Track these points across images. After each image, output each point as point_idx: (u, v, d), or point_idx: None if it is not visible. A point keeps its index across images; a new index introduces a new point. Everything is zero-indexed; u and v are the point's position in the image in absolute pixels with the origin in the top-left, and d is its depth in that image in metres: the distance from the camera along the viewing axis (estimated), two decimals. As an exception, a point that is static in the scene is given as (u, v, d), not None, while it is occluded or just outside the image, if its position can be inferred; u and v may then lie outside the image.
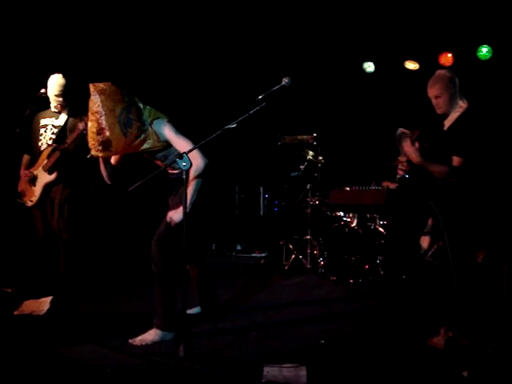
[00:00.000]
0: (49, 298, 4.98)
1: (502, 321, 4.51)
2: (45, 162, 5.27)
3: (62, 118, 5.42)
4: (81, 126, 5.11)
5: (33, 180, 5.29)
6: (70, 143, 5.21)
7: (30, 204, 5.34)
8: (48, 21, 6.65)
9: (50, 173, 5.27)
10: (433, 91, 4.20)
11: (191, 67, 8.45)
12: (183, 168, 3.59)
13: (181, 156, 3.61)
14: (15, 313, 4.80)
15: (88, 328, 4.43)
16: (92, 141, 3.88)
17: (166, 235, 4.07)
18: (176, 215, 3.97)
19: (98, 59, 7.15)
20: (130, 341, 4.00)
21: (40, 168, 5.29)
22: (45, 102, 5.42)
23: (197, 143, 3.83)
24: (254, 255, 8.50)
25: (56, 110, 5.41)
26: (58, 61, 6.47)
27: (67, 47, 6.84)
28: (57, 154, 5.22)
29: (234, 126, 3.67)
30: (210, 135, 3.74)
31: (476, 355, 3.67)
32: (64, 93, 5.36)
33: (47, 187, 5.30)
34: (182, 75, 8.39)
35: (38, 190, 5.30)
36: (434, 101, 4.21)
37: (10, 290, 5.39)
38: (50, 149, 5.28)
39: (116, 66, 7.47)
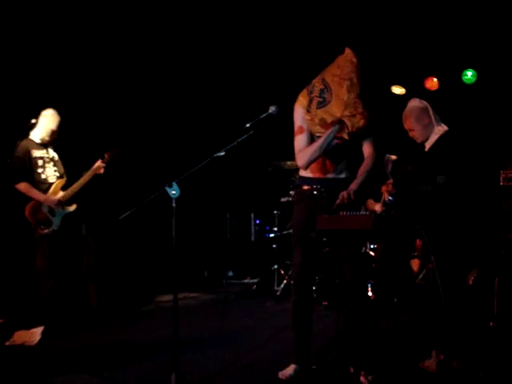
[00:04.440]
0: (40, 329, 4.96)
1: (493, 343, 4.53)
2: (61, 193, 5.46)
3: (52, 152, 5.61)
4: (101, 169, 5.57)
5: (51, 210, 5.37)
6: (86, 181, 5.51)
7: (45, 232, 5.36)
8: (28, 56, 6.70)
9: (68, 204, 5.50)
10: (406, 125, 4.23)
11: (180, 96, 8.51)
12: (172, 196, 3.57)
13: (170, 184, 3.60)
14: (6, 343, 4.78)
15: (81, 358, 4.41)
16: (358, 107, 3.57)
17: None
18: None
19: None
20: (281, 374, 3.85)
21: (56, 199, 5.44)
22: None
23: (187, 171, 3.84)
24: (245, 281, 8.49)
25: (41, 143, 5.50)
26: (41, 92, 6.53)
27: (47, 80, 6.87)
28: (76, 188, 5.48)
29: (223, 154, 3.72)
30: (200, 163, 3.78)
31: (467, 378, 3.68)
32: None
33: (65, 218, 5.46)
34: (171, 105, 8.44)
35: (57, 220, 5.40)
36: (409, 133, 4.25)
37: (1, 321, 5.36)
38: (63, 181, 5.54)
39: (106, 92, 7.53)
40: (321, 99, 3.63)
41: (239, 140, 3.77)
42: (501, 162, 6.28)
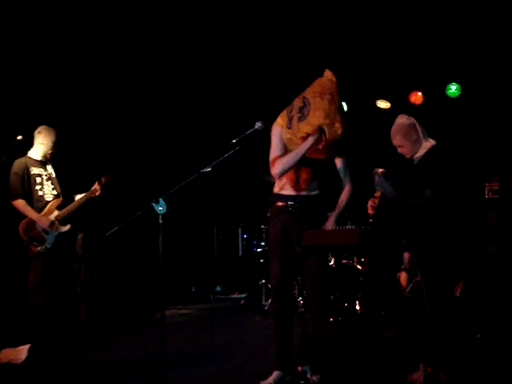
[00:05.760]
0: (27, 346, 4.92)
1: (480, 355, 4.55)
2: (55, 213, 5.41)
3: (50, 169, 5.58)
4: (97, 192, 5.56)
5: (45, 229, 5.36)
6: (82, 202, 5.52)
7: (38, 250, 5.33)
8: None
9: (63, 224, 5.45)
10: (394, 142, 4.27)
11: (166, 114, 8.53)
12: (159, 212, 3.59)
13: (157, 200, 3.62)
14: (-7, 362, 4.75)
15: (66, 377, 4.39)
16: (337, 117, 3.71)
17: None
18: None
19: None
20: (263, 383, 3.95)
21: (51, 217, 5.39)
22: (20, 150, 5.45)
23: (173, 187, 3.86)
24: (233, 296, 8.48)
25: (42, 159, 5.50)
26: (30, 109, 6.52)
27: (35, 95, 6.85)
28: (71, 209, 5.47)
29: (210, 169, 3.75)
30: (187, 179, 3.81)
31: (455, 390, 3.69)
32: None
33: (59, 236, 5.43)
34: (157, 122, 8.46)
35: (50, 238, 5.37)
36: (398, 149, 4.29)
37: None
38: (58, 201, 5.47)
39: (94, 109, 7.54)
40: (300, 115, 3.77)
41: (226, 155, 3.81)
42: (485, 174, 6.34)
